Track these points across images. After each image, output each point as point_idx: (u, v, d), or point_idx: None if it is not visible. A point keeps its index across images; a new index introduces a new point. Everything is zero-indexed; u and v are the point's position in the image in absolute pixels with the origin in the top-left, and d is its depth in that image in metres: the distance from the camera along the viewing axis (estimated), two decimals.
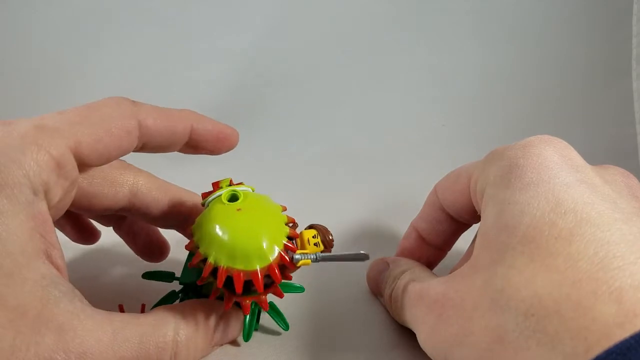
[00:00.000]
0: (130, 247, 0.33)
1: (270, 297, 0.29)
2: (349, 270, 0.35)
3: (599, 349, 0.15)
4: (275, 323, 0.29)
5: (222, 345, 0.27)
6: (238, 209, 0.25)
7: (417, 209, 0.31)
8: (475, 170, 0.24)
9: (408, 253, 0.31)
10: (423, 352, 0.23)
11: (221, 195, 0.27)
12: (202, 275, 0.24)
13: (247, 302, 0.25)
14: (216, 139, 0.28)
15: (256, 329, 0.29)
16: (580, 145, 0.52)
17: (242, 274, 0.23)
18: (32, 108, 0.54)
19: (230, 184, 0.28)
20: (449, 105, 0.51)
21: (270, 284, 0.25)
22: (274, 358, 0.28)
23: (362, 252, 0.26)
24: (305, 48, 0.55)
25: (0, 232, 0.19)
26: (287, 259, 0.24)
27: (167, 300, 0.29)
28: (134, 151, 0.26)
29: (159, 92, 0.55)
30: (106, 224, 0.33)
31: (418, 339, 0.23)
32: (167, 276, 0.30)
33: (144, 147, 0.26)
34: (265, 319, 0.30)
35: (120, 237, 0.33)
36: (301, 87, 0.56)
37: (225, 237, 0.24)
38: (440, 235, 0.30)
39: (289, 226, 0.26)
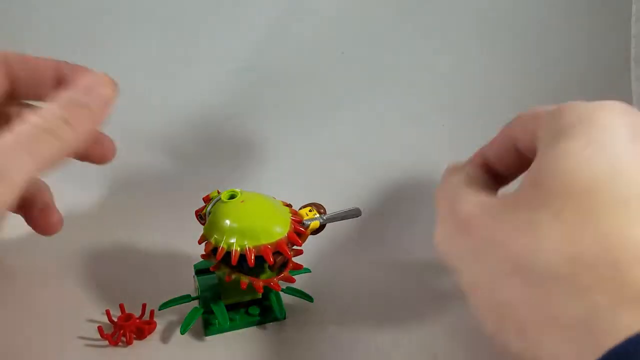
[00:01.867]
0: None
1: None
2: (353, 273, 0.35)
3: (626, 306, 0.16)
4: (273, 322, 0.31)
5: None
6: (242, 201, 0.28)
7: (418, 208, 0.31)
8: (545, 116, 0.24)
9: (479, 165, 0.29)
10: (423, 349, 0.23)
11: (220, 197, 0.29)
12: (217, 258, 0.27)
13: (261, 283, 0.28)
14: (85, 76, 0.26)
15: (284, 318, 0.31)
16: None
17: (253, 250, 0.26)
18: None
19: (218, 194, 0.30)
20: (449, 105, 0.51)
21: (282, 266, 0.28)
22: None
23: (355, 207, 0.30)
24: (306, 48, 0.55)
25: None
26: (299, 227, 0.28)
27: (193, 317, 0.30)
28: (5, 98, 0.27)
29: (159, 92, 0.55)
30: None
31: (435, 232, 0.24)
32: (183, 298, 0.31)
33: (14, 91, 0.27)
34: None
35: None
36: (301, 87, 0.55)
37: (236, 224, 0.27)
38: (509, 166, 0.28)
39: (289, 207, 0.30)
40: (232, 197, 0.29)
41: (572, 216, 0.18)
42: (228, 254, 0.27)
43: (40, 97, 0.27)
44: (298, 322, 0.30)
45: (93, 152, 0.29)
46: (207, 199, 0.31)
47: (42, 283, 0.34)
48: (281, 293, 0.31)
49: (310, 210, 0.29)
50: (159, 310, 0.31)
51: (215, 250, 0.27)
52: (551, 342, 0.17)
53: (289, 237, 0.27)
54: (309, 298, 0.30)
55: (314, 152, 0.52)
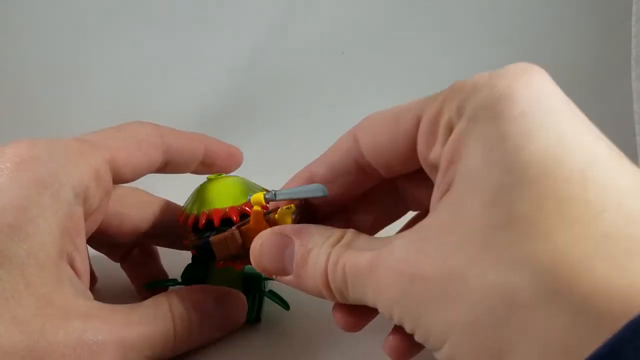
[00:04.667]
0: (134, 282, 0.33)
1: (270, 285, 0.32)
2: None
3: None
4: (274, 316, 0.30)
5: (226, 330, 0.28)
6: (221, 178, 0.29)
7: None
8: (429, 107, 0.19)
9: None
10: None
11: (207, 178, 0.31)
12: (181, 223, 0.28)
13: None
14: (226, 157, 0.30)
15: (259, 321, 0.30)
16: None
17: (220, 212, 0.27)
18: (32, 108, 0.54)
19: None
20: None
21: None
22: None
23: (320, 185, 0.23)
24: (306, 48, 0.55)
25: (40, 224, 0.21)
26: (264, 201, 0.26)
27: (164, 282, 0.31)
28: (156, 171, 0.28)
29: (160, 92, 0.55)
30: (116, 257, 0.33)
31: (378, 307, 0.19)
32: (170, 282, 0.32)
33: (166, 165, 0.28)
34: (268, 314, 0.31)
35: (126, 271, 0.33)
36: (301, 87, 0.56)
37: (207, 193, 0.28)
38: (342, 187, 0.24)
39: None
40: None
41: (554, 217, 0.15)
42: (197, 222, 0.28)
43: (186, 171, 0.30)
44: (273, 327, 0.30)
45: None
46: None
47: None
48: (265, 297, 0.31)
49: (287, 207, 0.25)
50: (145, 288, 0.32)
51: (188, 216, 0.29)
52: None
53: (243, 208, 0.27)
54: (285, 305, 0.30)
55: (313, 151, 0.52)
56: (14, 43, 0.56)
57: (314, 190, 0.22)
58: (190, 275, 0.30)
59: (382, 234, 0.26)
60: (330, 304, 0.32)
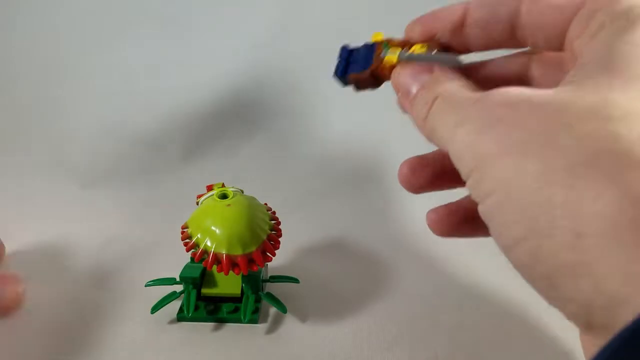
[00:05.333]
0: None
1: (268, 287, 0.32)
2: (349, 267, 0.35)
3: None
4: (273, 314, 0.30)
5: None
6: (228, 205, 0.29)
7: (418, 209, 0.31)
8: None
9: (437, 27, 0.23)
10: (424, 349, 0.23)
11: (214, 194, 0.31)
12: (195, 260, 0.29)
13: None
14: None
15: (256, 322, 0.30)
16: None
17: (228, 257, 0.28)
18: (33, 108, 0.54)
19: (223, 187, 0.32)
20: None
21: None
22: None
23: (454, 56, 0.22)
24: (306, 48, 0.55)
25: None
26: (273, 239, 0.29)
27: (167, 299, 0.31)
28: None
29: (160, 92, 0.55)
30: None
31: (448, 144, 0.18)
32: (168, 280, 0.32)
33: None
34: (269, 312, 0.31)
35: None
36: (301, 86, 0.56)
37: (216, 228, 0.28)
38: (488, 39, 0.22)
39: (272, 222, 0.30)
40: (223, 196, 0.30)
41: None
42: (206, 252, 0.28)
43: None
44: (269, 330, 0.30)
45: None
46: (209, 188, 0.32)
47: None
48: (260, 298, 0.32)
49: (422, 47, 0.23)
50: (145, 286, 0.32)
51: (197, 246, 0.29)
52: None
53: (253, 255, 0.28)
54: (282, 309, 0.30)
55: (313, 151, 0.52)
56: (13, 43, 0.56)
57: (449, 60, 0.22)
58: (189, 275, 0.30)
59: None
60: (326, 309, 0.32)
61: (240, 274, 0.29)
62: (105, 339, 0.29)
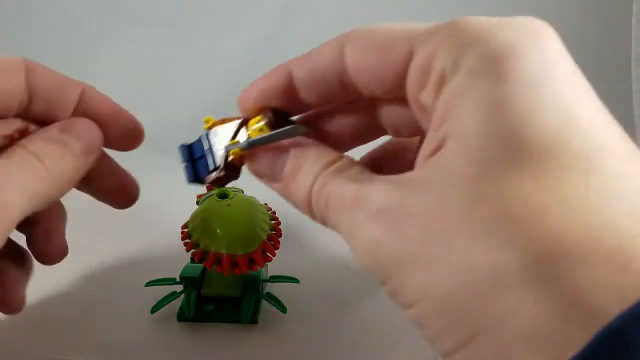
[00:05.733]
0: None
1: (268, 287, 0.33)
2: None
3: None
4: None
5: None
6: (228, 205, 0.29)
7: None
8: (425, 45, 0.17)
9: (267, 95, 0.22)
10: (424, 349, 0.23)
11: (214, 194, 0.31)
12: (195, 260, 0.29)
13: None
14: (111, 113, 0.25)
15: (256, 322, 0.30)
16: None
17: (228, 257, 0.28)
18: None
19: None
20: None
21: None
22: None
23: (297, 125, 0.21)
24: (306, 48, 0.55)
25: None
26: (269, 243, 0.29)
27: (167, 299, 0.31)
28: (17, 111, 0.23)
29: (160, 92, 0.55)
30: None
31: (351, 249, 0.18)
32: (168, 280, 0.32)
33: (30, 103, 0.23)
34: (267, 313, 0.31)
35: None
36: None
37: (216, 228, 0.28)
38: (319, 96, 0.21)
39: (272, 222, 0.30)
40: (223, 196, 0.30)
41: (533, 192, 0.14)
42: (207, 253, 0.28)
43: (57, 120, 0.24)
44: (269, 330, 0.30)
45: (111, 193, 0.26)
46: (209, 188, 0.32)
47: None
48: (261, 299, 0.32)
49: (258, 121, 0.21)
50: (145, 286, 0.31)
51: (197, 246, 0.29)
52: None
53: (253, 255, 0.29)
54: (283, 309, 0.30)
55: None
56: (13, 43, 0.56)
57: (292, 131, 0.21)
58: (189, 275, 0.30)
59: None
60: (326, 309, 0.32)
61: (240, 273, 0.29)
62: (105, 339, 0.29)
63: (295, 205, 0.20)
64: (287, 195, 0.20)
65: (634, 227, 0.13)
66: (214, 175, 0.22)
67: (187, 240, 0.29)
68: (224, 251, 0.28)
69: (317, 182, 0.19)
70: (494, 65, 0.15)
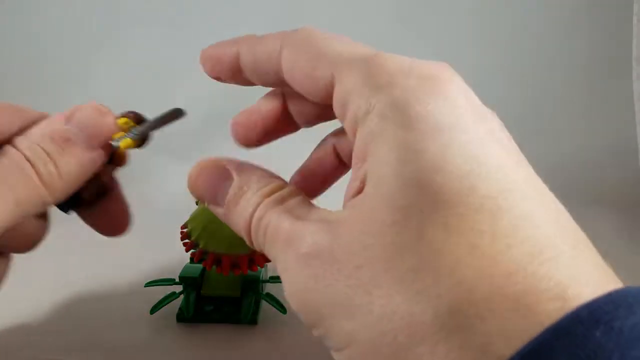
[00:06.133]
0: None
1: (268, 288, 0.32)
2: None
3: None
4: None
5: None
6: None
7: None
8: (340, 75, 0.18)
9: (215, 65, 0.23)
10: None
11: None
12: (194, 260, 0.29)
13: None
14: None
15: (255, 323, 0.30)
16: (581, 146, 0.52)
17: (229, 258, 0.28)
18: (32, 108, 0.54)
19: None
20: None
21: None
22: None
23: (176, 107, 0.23)
24: None
25: None
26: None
27: (167, 300, 0.31)
28: None
29: (159, 92, 0.55)
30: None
31: (283, 286, 0.18)
32: (168, 281, 0.32)
33: None
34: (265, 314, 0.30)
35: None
36: None
37: (216, 228, 0.28)
38: (263, 81, 0.22)
39: None
40: None
41: (443, 241, 0.14)
42: (206, 252, 0.28)
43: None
44: (269, 331, 0.30)
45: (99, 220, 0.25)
46: None
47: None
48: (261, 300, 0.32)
49: (125, 123, 0.24)
50: (145, 287, 0.31)
51: (197, 245, 0.29)
52: None
53: (253, 255, 0.29)
54: (282, 309, 0.30)
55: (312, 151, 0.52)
56: (13, 43, 0.55)
57: (172, 114, 0.23)
58: (188, 275, 0.30)
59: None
60: None
61: (240, 274, 0.28)
62: (105, 339, 0.29)
63: (237, 232, 0.20)
64: (229, 222, 0.20)
65: (539, 269, 0.14)
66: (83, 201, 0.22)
67: (187, 241, 0.29)
68: (223, 251, 0.28)
69: (257, 211, 0.19)
70: (403, 112, 0.16)
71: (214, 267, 0.28)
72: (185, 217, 0.30)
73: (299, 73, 0.19)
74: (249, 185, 0.20)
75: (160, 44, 0.56)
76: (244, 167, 0.20)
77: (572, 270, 0.14)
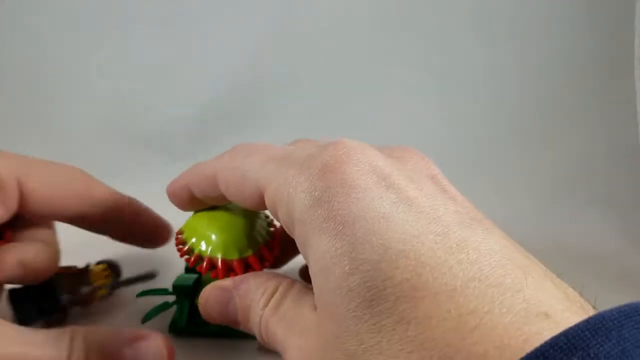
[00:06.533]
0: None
1: None
2: None
3: None
4: None
5: None
6: (224, 210, 0.29)
7: None
8: (268, 178, 0.21)
9: (179, 200, 0.28)
10: None
11: None
12: (189, 265, 0.28)
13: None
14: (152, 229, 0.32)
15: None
16: (581, 146, 0.52)
17: (224, 262, 0.27)
18: (32, 108, 0.54)
19: None
20: (449, 105, 0.51)
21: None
22: None
23: (148, 271, 0.29)
24: (305, 48, 0.55)
25: None
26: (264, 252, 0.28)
27: (159, 309, 0.30)
28: (72, 217, 0.29)
29: (159, 92, 0.55)
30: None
31: None
32: (161, 291, 0.31)
33: (85, 215, 0.29)
34: None
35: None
36: (301, 87, 0.55)
37: (212, 232, 0.28)
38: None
39: (270, 228, 0.30)
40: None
41: (375, 345, 0.15)
42: (201, 258, 0.28)
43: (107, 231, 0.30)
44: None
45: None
46: None
47: None
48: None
49: (104, 270, 0.31)
50: (137, 296, 0.30)
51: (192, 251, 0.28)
52: None
53: (249, 260, 0.28)
54: None
55: None
56: (12, 42, 0.55)
57: (145, 276, 0.29)
58: (182, 285, 0.29)
59: None
60: None
61: None
62: None
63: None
64: (251, 333, 0.22)
65: (463, 350, 0.14)
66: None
67: (181, 246, 0.28)
68: (219, 255, 0.27)
69: (262, 323, 0.21)
70: (313, 211, 0.18)
71: (209, 274, 0.27)
72: (184, 219, 0.30)
73: (233, 191, 0.23)
74: (250, 299, 0.22)
75: (161, 44, 0.56)
76: (240, 282, 0.23)
77: (495, 333, 0.14)
